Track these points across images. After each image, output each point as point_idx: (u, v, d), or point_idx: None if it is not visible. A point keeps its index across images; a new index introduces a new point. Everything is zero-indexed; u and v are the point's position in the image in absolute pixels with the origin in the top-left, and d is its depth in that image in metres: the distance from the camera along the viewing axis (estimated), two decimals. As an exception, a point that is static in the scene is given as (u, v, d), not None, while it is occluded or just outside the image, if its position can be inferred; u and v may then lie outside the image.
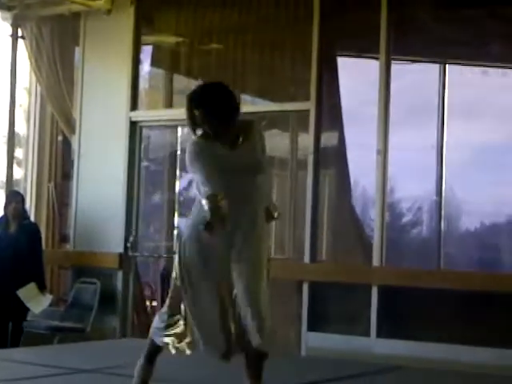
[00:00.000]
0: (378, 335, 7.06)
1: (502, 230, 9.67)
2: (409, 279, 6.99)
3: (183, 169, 10.07)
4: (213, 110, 4.31)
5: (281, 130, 8.82)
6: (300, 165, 8.35)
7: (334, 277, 7.30)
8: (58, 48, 8.93)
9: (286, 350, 7.56)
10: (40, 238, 8.24)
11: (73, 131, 8.82)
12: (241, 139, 4.39)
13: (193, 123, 4.39)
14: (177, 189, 9.60)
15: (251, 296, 4.25)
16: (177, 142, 9.54)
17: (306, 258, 7.46)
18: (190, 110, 4.38)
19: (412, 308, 7.07)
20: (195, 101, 4.37)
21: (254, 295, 4.27)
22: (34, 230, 8.21)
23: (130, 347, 7.34)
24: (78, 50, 8.92)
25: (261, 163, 4.41)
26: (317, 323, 7.38)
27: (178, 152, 9.55)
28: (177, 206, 9.56)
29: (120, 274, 8.36)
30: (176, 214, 9.51)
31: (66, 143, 9.14)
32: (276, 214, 4.51)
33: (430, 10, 7.67)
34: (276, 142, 8.80)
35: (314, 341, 7.35)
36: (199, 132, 4.41)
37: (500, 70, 8.72)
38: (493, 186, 9.05)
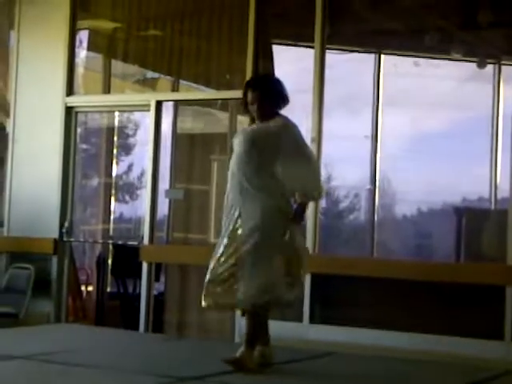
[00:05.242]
0: (311, 321, 7.15)
1: (437, 218, 9.83)
2: (341, 267, 7.08)
3: (120, 153, 10.09)
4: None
5: (221, 113, 8.85)
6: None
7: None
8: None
9: (220, 336, 7.64)
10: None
11: (7, 116, 8.75)
12: None
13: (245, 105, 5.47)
14: (114, 173, 9.62)
15: None
16: (114, 127, 9.54)
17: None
18: (245, 92, 5.46)
19: (344, 295, 7.18)
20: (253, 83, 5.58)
21: None
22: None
23: (64, 332, 7.40)
24: (12, 35, 8.83)
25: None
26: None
27: (115, 137, 9.56)
28: (113, 191, 9.57)
29: (55, 260, 8.33)
30: (113, 199, 9.53)
31: (1, 128, 9.05)
32: None
33: (365, 0, 7.76)
34: (215, 125, 8.85)
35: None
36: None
37: (433, 61, 8.86)
38: (427, 175, 9.20)
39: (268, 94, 5.38)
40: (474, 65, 8.76)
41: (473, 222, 7.88)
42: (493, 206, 8.93)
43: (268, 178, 5.31)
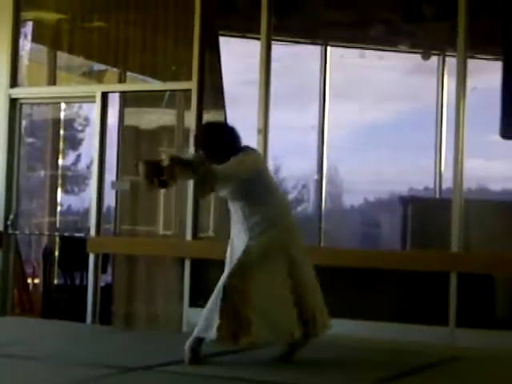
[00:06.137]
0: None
1: (383, 207, 9.94)
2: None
3: (66, 145, 10.02)
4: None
5: (167, 108, 8.84)
6: (186, 142, 8.41)
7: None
8: None
9: (167, 326, 7.65)
10: None
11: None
12: None
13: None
14: (60, 165, 9.56)
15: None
16: (60, 120, 9.48)
17: (188, 235, 7.54)
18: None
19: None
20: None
21: None
22: None
23: (11, 326, 7.34)
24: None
25: None
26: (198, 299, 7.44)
27: (61, 129, 9.49)
28: (60, 182, 9.52)
29: None
30: (59, 191, 9.48)
31: None
32: None
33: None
34: (163, 119, 8.83)
35: (196, 317, 7.40)
36: None
37: (378, 53, 8.94)
38: (374, 165, 9.29)
39: (212, 150, 5.32)
40: (418, 56, 8.87)
41: (418, 211, 7.98)
42: (438, 196, 9.07)
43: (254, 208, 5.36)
